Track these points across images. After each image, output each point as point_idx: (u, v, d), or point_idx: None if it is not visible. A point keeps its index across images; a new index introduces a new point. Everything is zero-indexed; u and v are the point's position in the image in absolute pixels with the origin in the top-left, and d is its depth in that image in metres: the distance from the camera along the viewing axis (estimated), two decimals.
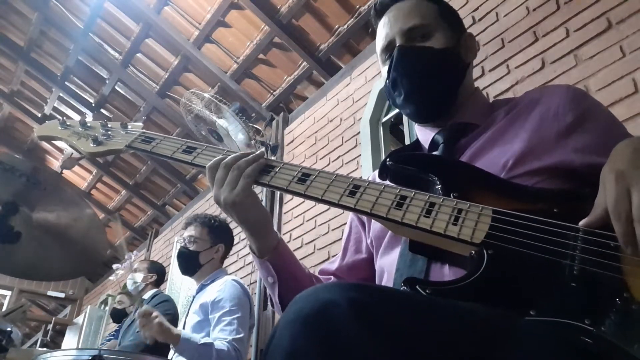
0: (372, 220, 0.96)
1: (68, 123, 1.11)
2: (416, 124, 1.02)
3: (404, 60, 0.90)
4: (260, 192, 3.73)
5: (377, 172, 0.92)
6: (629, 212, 0.58)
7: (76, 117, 1.13)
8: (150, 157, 5.15)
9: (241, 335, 2.06)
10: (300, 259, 3.41)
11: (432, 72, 0.91)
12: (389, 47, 0.94)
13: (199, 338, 1.99)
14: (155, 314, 1.90)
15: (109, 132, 1.06)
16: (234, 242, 2.58)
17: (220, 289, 2.18)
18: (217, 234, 2.39)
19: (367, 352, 0.50)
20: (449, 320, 0.57)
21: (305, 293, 0.55)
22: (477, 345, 0.55)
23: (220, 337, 2.02)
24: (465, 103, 0.95)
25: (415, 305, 0.59)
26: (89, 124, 1.09)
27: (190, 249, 2.32)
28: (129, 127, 1.06)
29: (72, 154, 1.11)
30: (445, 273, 0.74)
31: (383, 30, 0.96)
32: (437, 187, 0.78)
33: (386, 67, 0.94)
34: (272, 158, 3.62)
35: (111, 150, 1.04)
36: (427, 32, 0.91)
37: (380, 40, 0.97)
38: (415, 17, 0.92)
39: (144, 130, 1.04)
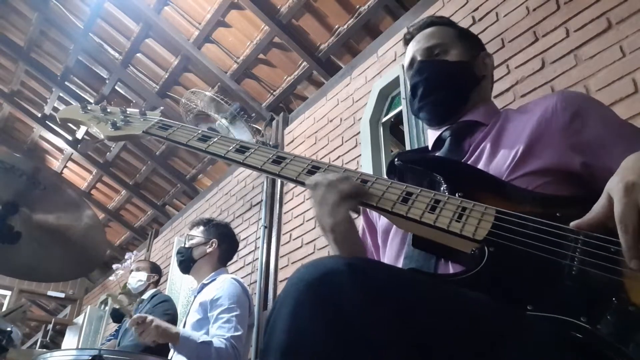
0: (380, 219, 0.98)
1: (89, 107, 1.15)
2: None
3: (421, 70, 1.03)
4: (261, 192, 3.73)
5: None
6: (636, 225, 0.58)
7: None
8: (151, 156, 5.15)
9: (239, 333, 2.06)
10: (300, 259, 3.38)
11: (445, 79, 1.01)
12: (411, 64, 1.07)
13: (198, 336, 1.98)
14: (149, 318, 1.88)
15: (128, 118, 1.10)
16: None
17: (219, 287, 2.19)
18: (211, 231, 2.44)
19: (368, 318, 0.51)
20: (447, 301, 0.59)
21: (309, 262, 0.58)
22: (474, 333, 0.56)
23: (218, 334, 2.02)
24: (477, 106, 1.00)
25: (418, 282, 0.61)
26: (109, 110, 1.14)
27: (186, 246, 2.41)
28: (148, 114, 1.11)
29: (84, 137, 1.15)
30: (452, 266, 0.76)
31: (409, 53, 1.09)
32: (442, 187, 0.80)
33: (409, 82, 1.06)
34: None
35: (129, 135, 1.08)
36: (444, 49, 1.03)
37: (406, 62, 1.10)
38: (434, 38, 1.05)
39: (161, 118, 1.08)
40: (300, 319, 0.52)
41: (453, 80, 1.01)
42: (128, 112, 1.12)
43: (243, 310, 2.14)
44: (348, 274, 0.53)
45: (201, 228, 2.44)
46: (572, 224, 0.65)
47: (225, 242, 2.45)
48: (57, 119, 1.18)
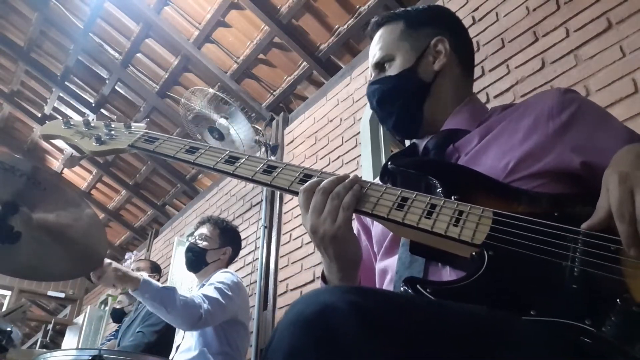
0: (374, 224, 0.97)
1: (72, 122, 1.12)
2: None
3: (369, 94, 1.03)
4: (260, 192, 3.73)
5: (377, 179, 0.92)
6: (632, 213, 0.58)
7: (77, 117, 1.14)
8: (151, 156, 5.15)
9: (217, 296, 2.06)
10: (300, 259, 3.37)
11: (388, 99, 0.99)
12: None
13: (162, 284, 2.00)
14: (107, 261, 1.85)
15: (112, 132, 1.07)
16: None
17: (215, 278, 2.25)
18: (227, 237, 2.46)
19: (368, 354, 0.49)
20: (449, 322, 0.56)
21: (305, 296, 0.55)
22: (478, 346, 0.55)
23: (196, 293, 2.06)
24: (459, 110, 0.96)
25: (416, 307, 0.58)
26: (92, 124, 1.11)
27: (200, 246, 2.39)
28: (132, 127, 1.08)
29: (72, 153, 1.12)
30: (444, 274, 0.75)
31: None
32: (438, 190, 0.79)
33: None
34: (272, 158, 3.64)
35: (114, 149, 1.05)
36: (388, 60, 1.00)
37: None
38: (379, 50, 1.02)
39: (147, 131, 1.05)
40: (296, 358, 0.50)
41: (397, 101, 0.97)
42: (112, 126, 1.09)
43: (230, 290, 2.14)
44: (347, 310, 0.51)
45: (217, 231, 2.44)
46: (584, 225, 0.64)
47: (235, 249, 2.50)
48: (39, 136, 1.15)
